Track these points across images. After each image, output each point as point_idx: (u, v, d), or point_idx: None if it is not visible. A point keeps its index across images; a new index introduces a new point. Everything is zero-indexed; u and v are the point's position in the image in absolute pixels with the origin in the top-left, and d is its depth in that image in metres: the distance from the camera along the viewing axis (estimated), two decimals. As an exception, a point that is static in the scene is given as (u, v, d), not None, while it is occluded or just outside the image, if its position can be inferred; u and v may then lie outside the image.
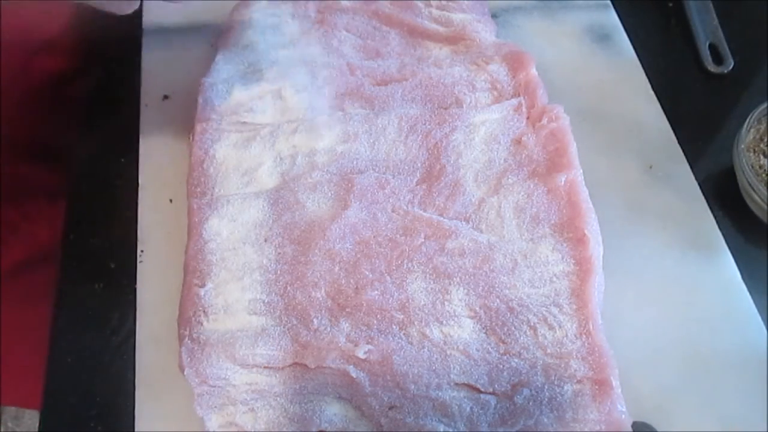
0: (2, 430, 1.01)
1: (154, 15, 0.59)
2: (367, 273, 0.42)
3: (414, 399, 0.39)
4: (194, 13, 0.59)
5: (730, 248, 0.48)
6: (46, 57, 0.58)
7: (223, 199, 0.46)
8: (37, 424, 0.43)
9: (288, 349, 0.41)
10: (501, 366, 0.40)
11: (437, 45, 0.54)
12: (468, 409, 0.39)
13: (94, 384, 0.44)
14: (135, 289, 0.46)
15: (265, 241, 0.44)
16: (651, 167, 0.52)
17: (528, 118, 0.49)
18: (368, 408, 0.40)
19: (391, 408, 0.39)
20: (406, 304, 0.42)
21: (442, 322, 0.41)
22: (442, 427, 0.39)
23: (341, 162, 0.47)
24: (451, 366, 0.40)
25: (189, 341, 0.41)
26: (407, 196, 0.45)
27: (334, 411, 0.40)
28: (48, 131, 0.57)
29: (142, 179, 0.50)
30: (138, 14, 0.60)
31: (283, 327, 0.41)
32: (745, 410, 0.42)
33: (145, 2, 0.60)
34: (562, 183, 0.45)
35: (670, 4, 0.62)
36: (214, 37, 0.56)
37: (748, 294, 0.46)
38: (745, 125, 0.48)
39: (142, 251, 0.48)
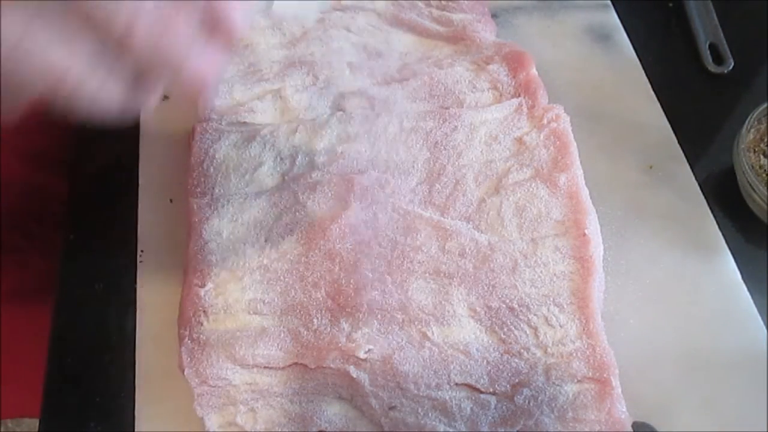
0: (2, 430, 1.01)
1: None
2: (368, 273, 0.42)
3: (414, 399, 0.39)
4: (194, 13, 0.59)
5: (730, 248, 0.48)
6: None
7: (223, 199, 0.45)
8: (37, 425, 0.43)
9: (288, 349, 0.41)
10: (501, 366, 0.40)
11: (438, 45, 0.54)
12: (468, 409, 0.39)
13: (94, 384, 0.44)
14: (135, 289, 0.46)
15: (266, 241, 0.44)
16: (651, 167, 0.52)
17: (528, 118, 0.49)
18: (368, 408, 0.40)
19: (391, 408, 0.39)
20: (407, 304, 0.42)
21: (442, 322, 0.41)
22: (442, 427, 0.39)
23: (341, 162, 0.47)
24: (452, 366, 0.40)
25: (189, 341, 0.41)
26: (408, 195, 0.45)
27: (334, 411, 0.40)
28: (48, 132, 0.57)
29: (142, 179, 0.50)
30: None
31: (284, 327, 0.41)
32: (745, 410, 0.42)
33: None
34: (563, 183, 0.45)
35: (670, 4, 0.62)
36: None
37: (748, 294, 0.46)
38: (745, 125, 0.48)
39: (142, 251, 0.48)
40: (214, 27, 0.28)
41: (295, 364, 0.41)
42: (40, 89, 0.26)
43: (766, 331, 0.44)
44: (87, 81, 0.27)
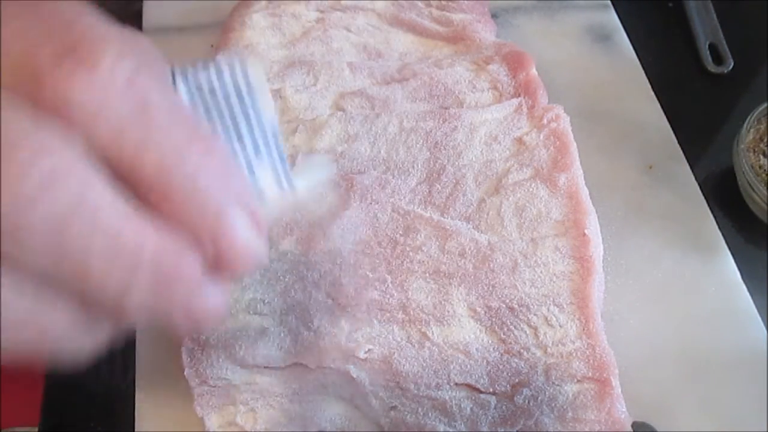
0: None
1: (154, 15, 0.59)
2: (368, 273, 0.42)
3: (414, 399, 0.40)
4: (194, 13, 0.59)
5: (730, 248, 0.48)
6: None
7: (223, 199, 0.45)
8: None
9: (288, 349, 0.41)
10: (501, 366, 0.40)
11: (438, 45, 0.54)
12: (468, 409, 0.39)
13: (94, 384, 0.44)
14: (135, 289, 0.46)
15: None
16: (651, 167, 0.52)
17: (528, 118, 0.49)
18: (368, 408, 0.40)
19: (391, 408, 0.39)
20: (407, 303, 0.42)
21: (442, 322, 0.41)
22: (442, 427, 0.39)
23: (341, 162, 0.47)
24: (452, 366, 0.40)
25: (189, 341, 0.41)
26: (408, 195, 0.45)
27: (334, 411, 0.40)
28: None
29: (142, 179, 0.50)
30: (138, 14, 0.60)
31: (284, 327, 0.41)
32: (745, 410, 0.42)
33: (145, 2, 0.60)
34: (563, 183, 0.45)
35: (670, 4, 0.62)
36: (214, 37, 0.56)
37: (748, 294, 0.46)
38: (745, 125, 0.48)
39: (142, 251, 0.48)
40: (219, 265, 0.22)
41: (295, 364, 0.41)
42: (9, 348, 0.20)
43: (766, 331, 0.44)
44: (69, 340, 0.21)
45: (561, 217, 0.44)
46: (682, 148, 0.52)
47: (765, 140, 0.49)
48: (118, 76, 0.19)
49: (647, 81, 0.56)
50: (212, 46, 0.56)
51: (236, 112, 0.23)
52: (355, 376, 0.40)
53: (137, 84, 0.19)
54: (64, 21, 0.19)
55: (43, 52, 0.18)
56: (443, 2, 0.56)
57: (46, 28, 0.19)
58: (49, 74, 0.18)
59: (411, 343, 0.41)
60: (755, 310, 0.45)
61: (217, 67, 0.23)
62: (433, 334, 0.41)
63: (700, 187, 0.51)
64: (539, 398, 0.39)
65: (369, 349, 0.40)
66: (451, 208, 0.45)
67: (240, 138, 0.23)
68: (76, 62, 0.18)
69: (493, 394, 0.40)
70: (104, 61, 0.19)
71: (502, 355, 0.40)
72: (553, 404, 0.39)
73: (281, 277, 0.43)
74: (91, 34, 0.19)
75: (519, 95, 0.50)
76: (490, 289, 0.42)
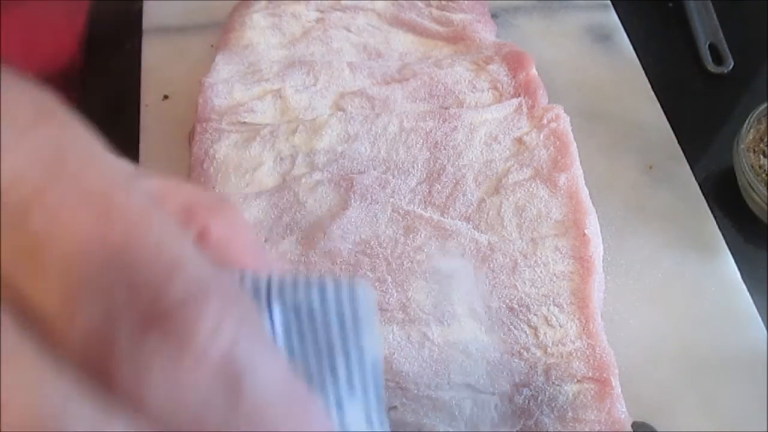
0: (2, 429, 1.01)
1: (154, 15, 0.59)
2: (368, 273, 0.42)
3: (414, 399, 0.39)
4: (194, 13, 0.59)
5: (730, 248, 0.48)
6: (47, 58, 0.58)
7: (223, 199, 0.45)
8: None
9: (288, 349, 0.41)
10: (501, 366, 0.40)
11: (438, 45, 0.54)
12: (468, 409, 0.39)
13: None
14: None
15: (266, 241, 0.44)
16: (651, 167, 0.52)
17: (528, 118, 0.49)
18: (368, 408, 0.40)
19: (391, 408, 0.39)
20: (407, 304, 0.42)
21: (442, 322, 0.41)
22: (442, 427, 0.39)
23: (341, 162, 0.47)
24: (451, 366, 0.40)
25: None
26: (408, 195, 0.45)
27: (334, 411, 0.40)
28: None
29: (142, 179, 0.50)
30: (138, 14, 0.60)
31: (284, 327, 0.41)
32: (745, 410, 0.42)
33: (145, 2, 0.61)
34: (563, 183, 0.45)
35: (670, 5, 0.62)
36: (214, 37, 0.56)
37: (748, 294, 0.46)
38: (745, 125, 0.48)
39: (142, 251, 0.48)
40: None
41: (295, 364, 0.40)
42: None
43: (766, 331, 0.44)
44: None
45: (561, 217, 0.44)
46: (682, 148, 0.52)
47: (765, 140, 0.49)
48: (212, 353, 0.15)
49: (647, 81, 0.56)
50: (212, 46, 0.56)
51: (335, 342, 0.20)
52: (355, 376, 0.40)
53: (233, 357, 0.15)
54: (156, 272, 0.15)
55: (124, 319, 0.14)
56: (443, 2, 0.56)
57: (131, 283, 0.15)
58: (126, 352, 0.14)
59: (411, 343, 0.41)
60: (755, 310, 0.45)
61: (321, 288, 0.20)
62: (433, 334, 0.41)
63: (700, 187, 0.51)
64: (539, 398, 0.39)
65: (369, 349, 0.40)
66: (451, 208, 0.45)
67: (334, 371, 0.20)
68: (163, 337, 0.14)
69: (493, 394, 0.40)
70: (199, 333, 0.15)
71: (502, 355, 0.40)
72: (553, 404, 0.39)
73: (281, 277, 0.42)
74: (186, 291, 0.15)
75: (519, 95, 0.50)
76: (490, 289, 0.42)
